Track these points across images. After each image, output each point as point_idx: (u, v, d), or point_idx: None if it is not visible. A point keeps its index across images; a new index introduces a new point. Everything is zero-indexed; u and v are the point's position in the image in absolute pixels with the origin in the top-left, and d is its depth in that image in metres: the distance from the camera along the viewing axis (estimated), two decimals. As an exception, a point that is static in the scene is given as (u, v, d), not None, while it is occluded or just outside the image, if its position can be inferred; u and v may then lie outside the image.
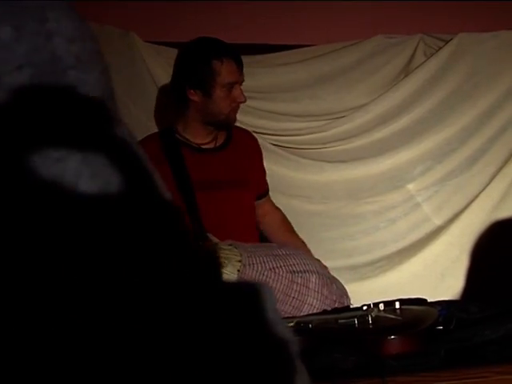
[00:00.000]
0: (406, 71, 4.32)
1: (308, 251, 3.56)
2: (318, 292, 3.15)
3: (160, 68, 3.96)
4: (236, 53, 3.32)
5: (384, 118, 4.28)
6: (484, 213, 4.39)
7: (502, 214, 4.37)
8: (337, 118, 4.24)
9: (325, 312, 2.97)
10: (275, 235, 3.66)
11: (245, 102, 3.39)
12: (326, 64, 4.22)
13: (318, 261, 3.44)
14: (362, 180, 4.32)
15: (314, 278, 3.18)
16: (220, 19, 4.06)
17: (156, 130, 3.61)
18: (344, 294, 3.25)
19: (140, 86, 3.97)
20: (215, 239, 3.13)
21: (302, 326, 2.69)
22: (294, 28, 4.21)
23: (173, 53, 3.90)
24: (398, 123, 4.30)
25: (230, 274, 3.03)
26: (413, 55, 4.31)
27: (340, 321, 2.71)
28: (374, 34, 4.28)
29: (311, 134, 4.20)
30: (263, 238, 3.64)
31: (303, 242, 3.65)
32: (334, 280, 3.30)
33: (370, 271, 4.23)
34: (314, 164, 4.19)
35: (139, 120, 3.91)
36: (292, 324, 2.73)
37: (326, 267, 3.41)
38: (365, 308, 2.77)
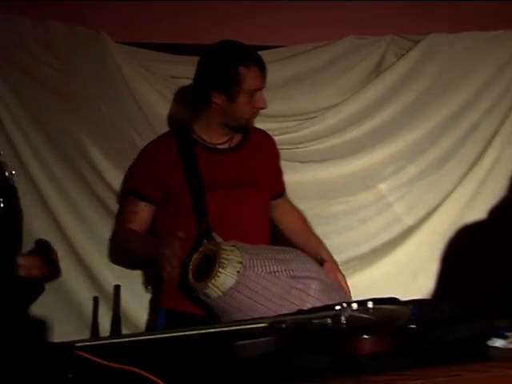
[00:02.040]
0: (378, 72, 4.40)
1: (325, 250, 3.67)
2: (317, 299, 3.21)
3: (131, 68, 4.01)
4: (261, 60, 3.41)
5: (355, 119, 4.31)
6: (455, 212, 4.45)
7: (473, 213, 4.42)
8: (309, 118, 4.28)
9: (300, 312, 2.99)
10: (293, 235, 3.74)
11: (266, 108, 3.45)
12: (297, 65, 4.28)
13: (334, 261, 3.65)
14: (333, 180, 4.36)
15: (314, 285, 3.26)
16: (191, 20, 4.13)
17: (129, 129, 3.64)
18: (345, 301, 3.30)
19: (111, 87, 3.99)
20: (219, 239, 3.18)
21: (275, 326, 2.71)
22: (267, 29, 4.30)
23: (144, 53, 4.00)
24: (369, 123, 4.33)
25: (229, 274, 3.09)
26: (383, 56, 4.38)
27: (314, 321, 2.74)
28: (346, 35, 4.34)
29: (283, 134, 4.21)
30: (274, 238, 3.68)
31: (321, 242, 3.73)
32: (337, 288, 3.42)
33: (346, 269, 4.20)
34: (287, 164, 4.12)
35: (111, 120, 3.95)
36: (265, 324, 2.76)
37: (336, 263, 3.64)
38: (338, 308, 2.79)
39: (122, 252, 3.65)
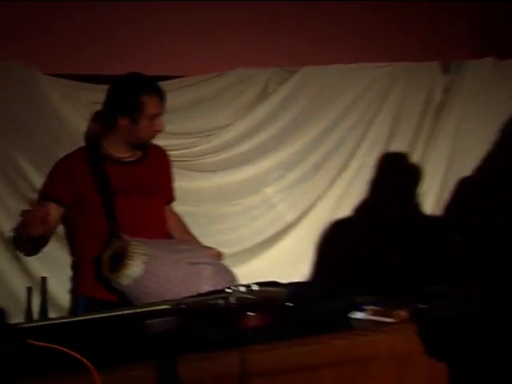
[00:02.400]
0: (262, 97, 4.45)
1: (200, 244, 3.76)
2: (211, 279, 3.31)
3: (57, 95, 4.04)
4: (161, 90, 3.51)
5: (245, 135, 4.39)
6: (328, 210, 4.52)
7: (342, 210, 4.51)
8: (206, 135, 4.34)
9: (198, 295, 3.05)
10: (175, 233, 3.78)
11: (163, 130, 3.56)
12: (197, 92, 4.34)
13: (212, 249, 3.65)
14: (227, 186, 4.42)
15: (207, 269, 3.33)
16: (108, 55, 4.21)
17: (60, 153, 3.68)
18: (234, 279, 3.40)
19: (40, 109, 4.00)
20: (126, 237, 3.27)
21: (177, 307, 2.79)
22: (172, 62, 4.36)
23: (68, 82, 4.04)
24: (256, 139, 4.41)
25: (137, 265, 3.18)
26: (267, 84, 4.44)
27: (209, 302, 2.83)
28: (236, 67, 4.37)
29: (186, 149, 4.29)
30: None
31: (195, 238, 3.81)
32: (225, 268, 3.51)
33: (236, 260, 4.27)
34: (188, 174, 4.30)
35: (38, 137, 3.99)
36: (169, 306, 2.81)
37: (221, 254, 3.64)
38: (228, 290, 2.87)
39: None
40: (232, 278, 3.42)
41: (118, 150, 3.53)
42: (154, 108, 3.45)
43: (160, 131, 3.53)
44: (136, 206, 3.49)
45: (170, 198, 3.79)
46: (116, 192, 3.45)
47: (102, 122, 3.63)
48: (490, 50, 4.77)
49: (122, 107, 3.44)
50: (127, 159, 3.56)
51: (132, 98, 3.42)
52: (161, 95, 3.48)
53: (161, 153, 3.77)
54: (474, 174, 4.59)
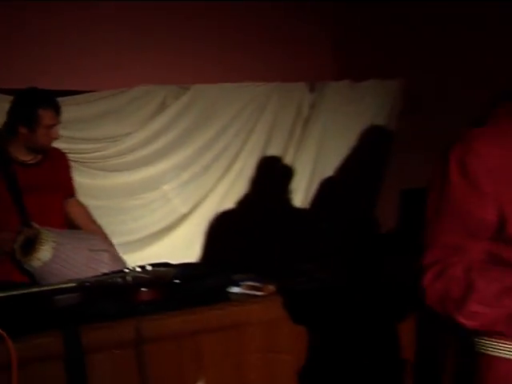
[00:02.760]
0: (161, 110, 4.44)
1: (103, 233, 3.72)
2: (108, 264, 3.36)
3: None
4: (56, 104, 3.52)
5: (146, 142, 4.40)
6: (215, 204, 4.60)
7: (228, 203, 4.58)
8: (113, 141, 4.34)
9: (103, 274, 3.09)
10: (81, 223, 3.76)
11: (58, 138, 3.55)
12: (105, 104, 4.32)
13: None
14: (131, 183, 4.44)
15: (106, 255, 3.37)
16: (19, 70, 4.16)
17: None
18: (124, 263, 3.45)
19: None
20: (37, 226, 3.33)
21: (81, 284, 2.83)
22: (85, 78, 4.36)
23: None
24: (155, 145, 4.43)
25: (47, 249, 3.22)
26: (164, 99, 4.42)
27: (109, 280, 2.87)
28: (136, 84, 4.36)
29: (96, 152, 4.30)
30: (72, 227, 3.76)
31: (100, 227, 3.78)
32: (119, 256, 3.59)
33: (138, 245, 4.41)
34: (99, 173, 4.35)
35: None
36: (75, 284, 2.88)
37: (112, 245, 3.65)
38: (126, 270, 2.93)
39: None
40: (124, 264, 3.47)
41: (21, 154, 3.55)
42: (50, 120, 3.47)
43: (56, 139, 3.55)
44: (39, 202, 3.49)
45: (70, 193, 3.78)
46: (24, 190, 3.47)
47: (7, 130, 3.61)
48: (347, 74, 4.91)
49: (21, 118, 3.47)
50: (29, 162, 3.57)
51: (30, 111, 3.44)
52: (56, 108, 3.51)
53: (60, 155, 3.77)
54: (335, 173, 4.71)
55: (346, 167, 4.69)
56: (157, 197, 4.49)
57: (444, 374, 3.21)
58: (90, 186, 4.24)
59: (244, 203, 4.55)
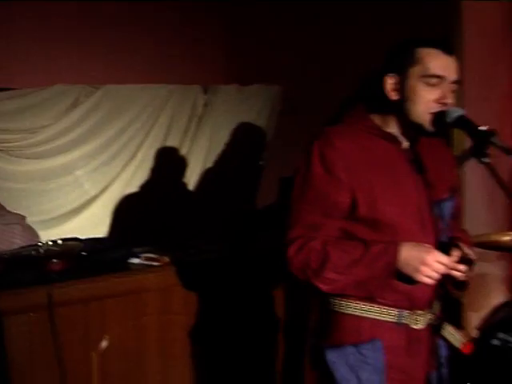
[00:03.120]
0: (74, 106, 4.29)
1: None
2: (23, 236, 3.31)
3: None
4: None
5: (61, 133, 4.27)
6: (120, 188, 4.52)
7: (131, 188, 4.49)
8: (32, 132, 4.18)
9: (21, 247, 3.05)
10: None
11: None
12: (25, 100, 4.12)
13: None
14: (48, 169, 4.31)
15: (18, 227, 3.31)
16: None
17: None
18: (37, 235, 3.39)
19: None
20: None
21: (0, 256, 2.80)
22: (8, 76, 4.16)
23: None
24: (69, 136, 4.30)
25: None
26: (78, 97, 4.29)
27: (25, 252, 2.84)
28: (55, 83, 4.19)
29: (16, 142, 4.15)
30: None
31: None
32: (31, 227, 3.49)
33: (54, 223, 4.28)
34: (19, 160, 4.22)
35: None
36: None
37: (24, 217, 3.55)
38: (40, 244, 2.89)
39: None
40: (36, 234, 3.41)
41: None
42: None
43: None
44: None
45: None
46: None
47: None
48: (236, 78, 4.91)
49: None
50: None
51: None
52: None
53: None
54: (224, 163, 4.74)
55: (233, 158, 4.75)
56: (70, 181, 4.39)
57: (307, 331, 3.32)
58: (11, 171, 4.16)
59: (145, 187, 4.50)
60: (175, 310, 3.14)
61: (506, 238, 3.82)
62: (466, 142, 3.30)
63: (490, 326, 3.43)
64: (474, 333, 3.52)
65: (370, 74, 3.20)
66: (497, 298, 4.24)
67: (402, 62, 2.12)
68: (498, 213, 4.44)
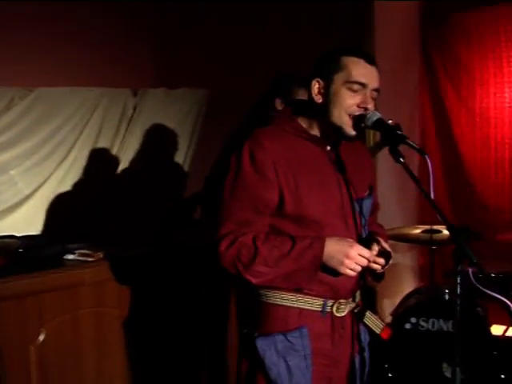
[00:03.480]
0: (7, 109, 4.12)
1: None
2: None
3: None
4: None
5: None
6: (54, 187, 4.35)
7: (64, 187, 4.34)
8: None
9: None
10: None
11: None
12: None
13: None
14: None
15: None
16: None
17: None
18: None
19: None
20: None
21: None
22: None
23: None
24: (3, 137, 4.10)
25: None
26: (12, 99, 4.13)
27: None
28: None
29: None
30: None
31: None
32: None
33: None
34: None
35: None
36: None
37: None
38: None
39: None
40: None
41: None
42: None
43: None
44: None
45: None
46: None
47: None
48: (164, 82, 4.89)
49: None
50: None
51: None
52: None
53: None
54: (152, 162, 4.68)
55: (161, 158, 4.68)
56: (4, 180, 4.22)
57: (229, 320, 3.34)
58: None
59: (78, 186, 4.36)
60: (109, 303, 3.09)
61: (415, 231, 3.93)
62: (377, 136, 3.41)
63: (403, 311, 3.52)
64: (389, 318, 3.61)
65: (279, 75, 3.25)
66: (407, 285, 4.37)
67: (329, 68, 2.15)
68: (408, 208, 4.56)
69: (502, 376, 3.29)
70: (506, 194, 4.34)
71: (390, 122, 2.10)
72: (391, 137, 2.07)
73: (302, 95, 2.92)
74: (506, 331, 3.53)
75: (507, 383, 3.29)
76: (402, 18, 4.53)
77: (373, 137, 3.63)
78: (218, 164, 3.35)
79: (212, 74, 4.78)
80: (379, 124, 2.10)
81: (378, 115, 2.11)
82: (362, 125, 2.11)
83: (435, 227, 3.79)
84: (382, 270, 2.19)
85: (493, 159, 4.42)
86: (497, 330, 3.55)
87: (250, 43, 4.62)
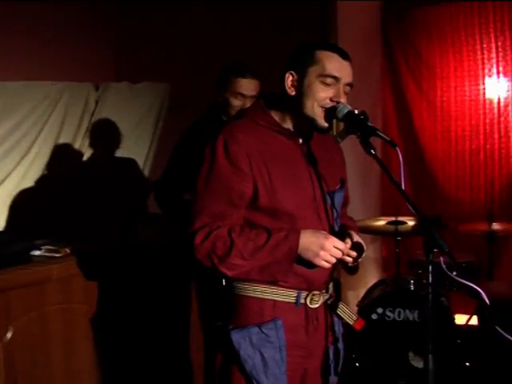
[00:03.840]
0: None
1: None
2: None
3: None
4: None
5: None
6: (15, 182, 4.23)
7: (26, 183, 4.22)
8: None
9: None
10: None
11: None
12: None
13: None
14: None
15: None
16: None
17: None
18: None
19: None
20: None
21: None
22: None
23: None
24: None
25: None
26: None
27: None
28: None
29: None
30: None
31: None
32: None
33: None
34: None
35: None
36: None
37: None
38: None
39: None
40: None
41: None
42: None
43: None
44: None
45: None
46: None
47: None
48: (126, 76, 4.85)
49: None
50: None
51: None
52: None
53: None
54: (115, 156, 4.62)
55: (124, 152, 4.61)
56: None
57: (191, 316, 3.36)
58: None
59: (41, 181, 4.28)
60: (76, 299, 3.05)
61: (378, 223, 3.98)
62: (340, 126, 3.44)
63: (369, 302, 3.56)
64: (355, 309, 3.65)
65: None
66: (371, 277, 4.42)
67: (303, 62, 2.16)
68: (371, 201, 4.62)
69: (467, 364, 3.37)
70: (466, 185, 4.43)
71: (356, 111, 2.13)
72: (362, 128, 2.09)
73: (245, 85, 3.06)
74: (468, 320, 3.61)
75: (471, 370, 3.37)
76: (363, 15, 4.58)
77: (336, 128, 3.66)
78: (174, 155, 3.37)
79: (173, 69, 4.78)
80: (350, 116, 2.12)
81: (348, 107, 2.13)
82: (334, 117, 2.14)
83: (400, 218, 3.85)
84: (354, 263, 2.21)
85: (454, 151, 4.51)
86: (460, 319, 3.63)
87: (210, 42, 4.66)
